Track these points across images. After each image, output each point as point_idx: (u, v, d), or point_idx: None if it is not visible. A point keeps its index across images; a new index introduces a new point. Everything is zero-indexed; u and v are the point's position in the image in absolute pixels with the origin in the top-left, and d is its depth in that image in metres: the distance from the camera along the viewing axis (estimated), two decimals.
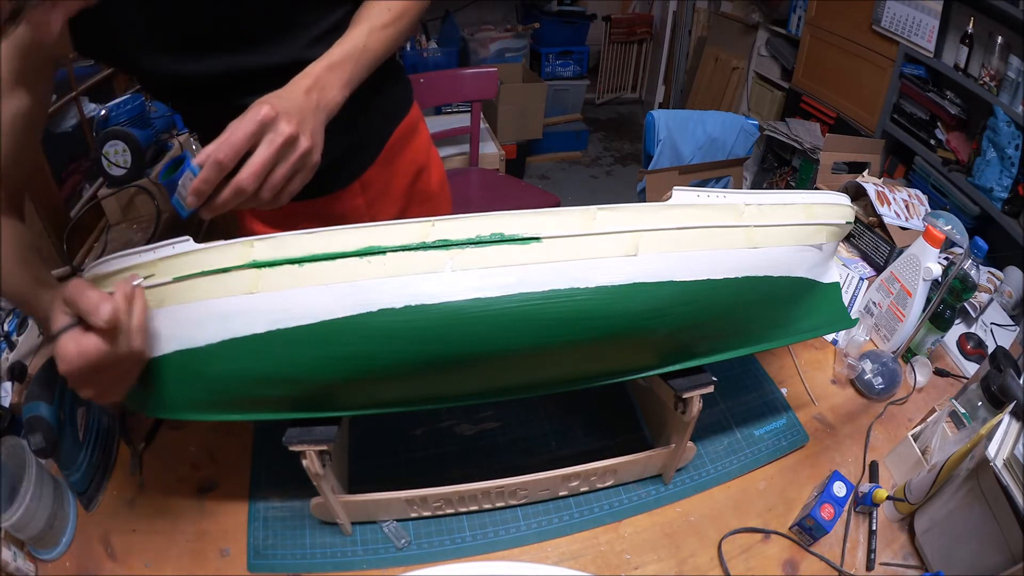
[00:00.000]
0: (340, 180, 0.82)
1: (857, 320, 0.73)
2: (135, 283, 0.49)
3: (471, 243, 0.51)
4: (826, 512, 0.63)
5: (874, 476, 0.76)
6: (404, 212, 0.93)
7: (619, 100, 3.90)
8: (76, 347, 0.45)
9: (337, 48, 0.61)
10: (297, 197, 0.82)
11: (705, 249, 0.57)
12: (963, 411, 0.77)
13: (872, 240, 1.14)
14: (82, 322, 0.45)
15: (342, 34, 0.63)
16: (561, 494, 0.70)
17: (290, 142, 0.52)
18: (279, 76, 0.57)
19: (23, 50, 0.56)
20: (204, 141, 0.55)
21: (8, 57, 0.56)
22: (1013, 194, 1.54)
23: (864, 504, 0.69)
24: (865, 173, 1.36)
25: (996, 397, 0.73)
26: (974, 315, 1.04)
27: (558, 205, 1.79)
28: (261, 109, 0.50)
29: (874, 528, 0.69)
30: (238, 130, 0.49)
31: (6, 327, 0.83)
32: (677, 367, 0.63)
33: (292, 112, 0.53)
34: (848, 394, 0.88)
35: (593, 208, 0.54)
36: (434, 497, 0.64)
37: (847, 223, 0.67)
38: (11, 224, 0.60)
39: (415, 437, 0.77)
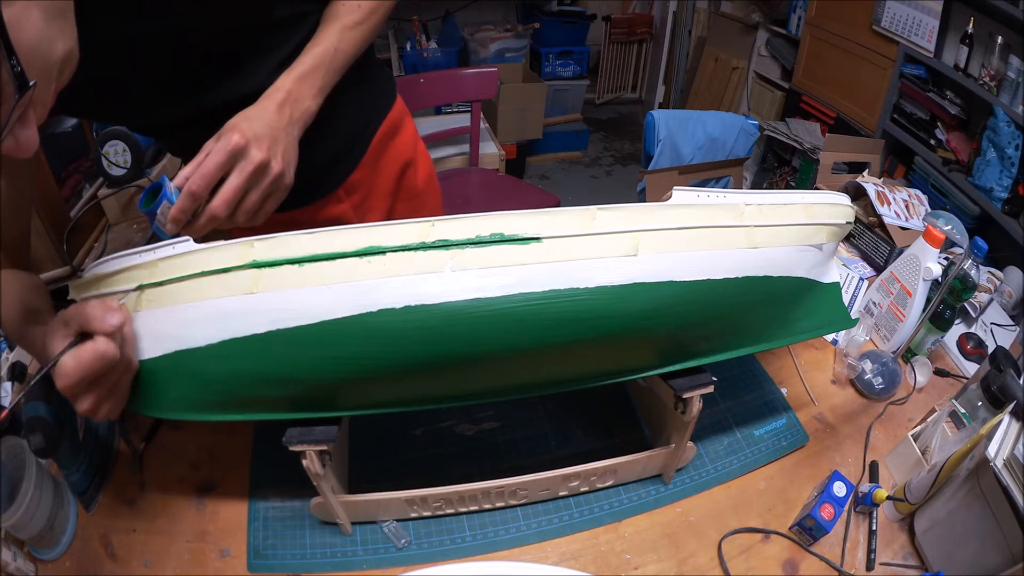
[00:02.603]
0: (323, 189, 0.81)
1: (857, 320, 0.73)
2: (122, 301, 0.51)
3: (471, 243, 0.51)
4: (826, 512, 0.63)
5: (874, 476, 0.76)
6: (391, 210, 0.91)
7: (619, 100, 3.90)
8: (74, 360, 0.46)
9: (307, 55, 0.61)
10: (280, 209, 0.82)
11: (705, 249, 0.57)
12: (963, 411, 0.77)
13: (872, 240, 1.14)
14: (80, 340, 0.47)
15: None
16: (561, 494, 0.70)
17: (261, 169, 0.53)
18: (252, 102, 0.57)
19: None
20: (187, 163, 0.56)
21: None
22: (1013, 194, 1.54)
23: (864, 504, 0.69)
24: (865, 173, 1.36)
25: (996, 397, 0.73)
26: (974, 315, 1.04)
27: (558, 205, 1.79)
28: (232, 138, 0.51)
29: (874, 528, 0.69)
30: (209, 161, 0.51)
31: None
32: (677, 367, 0.62)
33: (263, 136, 0.53)
34: (848, 394, 0.88)
35: (593, 208, 0.54)
36: (434, 497, 0.64)
37: (847, 223, 0.67)
38: (12, 275, 0.61)
39: (415, 437, 0.77)
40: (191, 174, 0.52)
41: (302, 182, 0.77)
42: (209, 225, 0.52)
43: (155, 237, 0.54)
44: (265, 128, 0.54)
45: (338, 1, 0.66)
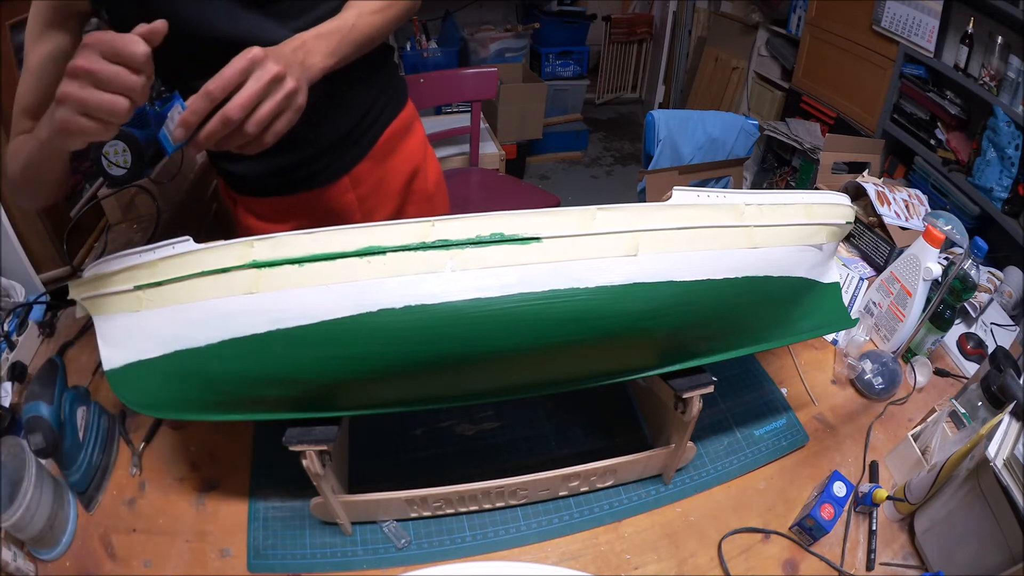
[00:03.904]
0: (329, 173, 0.83)
1: (857, 320, 0.73)
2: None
3: (471, 243, 0.51)
4: (826, 512, 0.63)
5: (874, 476, 0.76)
6: (400, 211, 0.93)
7: (619, 100, 3.89)
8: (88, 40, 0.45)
9: (326, 24, 0.65)
10: (287, 190, 0.83)
11: (705, 249, 0.57)
12: (963, 411, 0.77)
13: (872, 240, 1.14)
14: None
15: None
16: (561, 494, 0.70)
17: (277, 79, 0.54)
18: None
19: (44, 2, 0.61)
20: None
21: (35, 10, 0.62)
22: (1013, 194, 1.53)
23: (864, 504, 0.69)
24: (865, 173, 1.36)
25: (996, 397, 0.73)
26: (974, 315, 1.04)
27: (558, 205, 1.79)
28: (252, 50, 0.53)
29: (874, 528, 0.69)
30: (229, 67, 0.52)
31: (6, 327, 0.83)
32: (677, 367, 0.63)
33: (280, 58, 0.56)
34: (848, 394, 0.88)
35: (593, 208, 0.54)
36: (434, 497, 0.64)
37: (847, 223, 0.67)
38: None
39: (415, 437, 0.77)
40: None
41: (310, 157, 0.79)
42: (219, 131, 0.52)
43: (155, 237, 0.54)
44: (282, 55, 0.57)
45: None
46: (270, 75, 0.53)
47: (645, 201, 1.33)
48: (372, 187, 0.87)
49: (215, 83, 0.51)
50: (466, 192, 2.00)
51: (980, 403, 0.75)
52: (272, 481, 0.70)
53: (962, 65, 1.69)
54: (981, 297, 1.05)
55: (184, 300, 0.52)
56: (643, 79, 3.79)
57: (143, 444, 0.73)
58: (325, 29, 0.64)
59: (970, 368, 0.94)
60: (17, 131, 0.66)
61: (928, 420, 0.78)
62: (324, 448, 0.56)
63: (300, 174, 0.81)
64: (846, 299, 1.05)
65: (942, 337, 0.91)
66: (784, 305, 0.66)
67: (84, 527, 0.65)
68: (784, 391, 0.86)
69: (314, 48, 0.61)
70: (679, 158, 1.72)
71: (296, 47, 0.60)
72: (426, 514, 0.67)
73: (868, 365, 0.87)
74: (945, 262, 0.87)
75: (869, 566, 0.66)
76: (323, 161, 0.81)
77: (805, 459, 0.77)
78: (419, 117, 0.94)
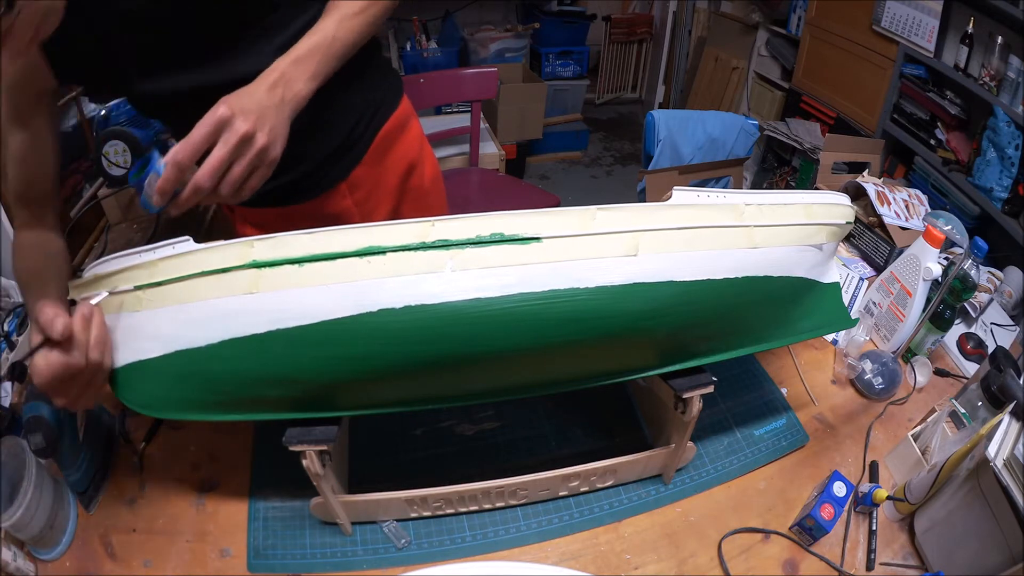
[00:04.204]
0: (326, 182, 0.81)
1: (857, 320, 0.73)
2: (95, 301, 0.53)
3: (471, 243, 0.51)
4: (826, 512, 0.63)
5: (874, 476, 0.76)
6: (397, 209, 0.92)
7: (619, 100, 3.89)
8: (44, 362, 0.49)
9: (304, 41, 0.62)
10: (283, 201, 0.83)
11: (705, 249, 0.57)
12: (963, 411, 0.77)
13: (872, 240, 1.14)
14: (50, 341, 0.50)
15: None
16: (561, 494, 0.70)
17: (246, 140, 0.53)
18: (249, 83, 0.58)
19: (11, 90, 0.61)
20: None
21: (4, 98, 0.61)
22: (1013, 194, 1.53)
23: (864, 504, 0.69)
24: (865, 173, 1.36)
25: (996, 397, 0.73)
26: (974, 315, 1.04)
27: (558, 205, 1.79)
28: (218, 110, 0.52)
29: (874, 528, 0.69)
30: (195, 132, 0.52)
31: (6, 327, 0.83)
32: (677, 367, 0.62)
33: (250, 110, 0.54)
34: (848, 394, 0.88)
35: (593, 208, 0.54)
36: (434, 497, 0.64)
37: (847, 223, 0.67)
38: (31, 237, 0.65)
39: (415, 437, 0.77)
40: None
41: (304, 174, 0.78)
42: (194, 197, 0.53)
43: (155, 237, 0.55)
44: (254, 104, 0.55)
45: None
46: (237, 136, 0.52)
47: (645, 201, 1.33)
48: (370, 189, 0.86)
49: (183, 151, 0.51)
50: (466, 192, 2.00)
51: (980, 403, 0.75)
52: (272, 481, 0.70)
53: (962, 65, 1.69)
54: (981, 297, 1.05)
55: (184, 300, 0.52)
56: (643, 79, 3.79)
57: (143, 444, 0.73)
58: (303, 50, 0.61)
59: (970, 368, 0.94)
60: (16, 222, 0.66)
61: (928, 420, 0.78)
62: (324, 448, 0.56)
63: (296, 188, 0.80)
64: (846, 299, 1.05)
65: (942, 337, 0.91)
66: (784, 305, 0.66)
67: (84, 527, 0.65)
68: (784, 391, 0.86)
69: (294, 77, 0.59)
70: (679, 158, 1.72)
71: (274, 82, 0.57)
72: (426, 514, 0.67)
73: (868, 365, 0.87)
74: (945, 262, 0.87)
75: (869, 566, 0.66)
76: (318, 174, 0.80)
77: (805, 459, 0.77)
78: (415, 112, 0.92)
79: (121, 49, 0.62)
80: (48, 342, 0.50)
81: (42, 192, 0.66)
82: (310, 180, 0.80)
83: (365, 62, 0.74)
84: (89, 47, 0.60)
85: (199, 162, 0.52)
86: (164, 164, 0.51)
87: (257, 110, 0.55)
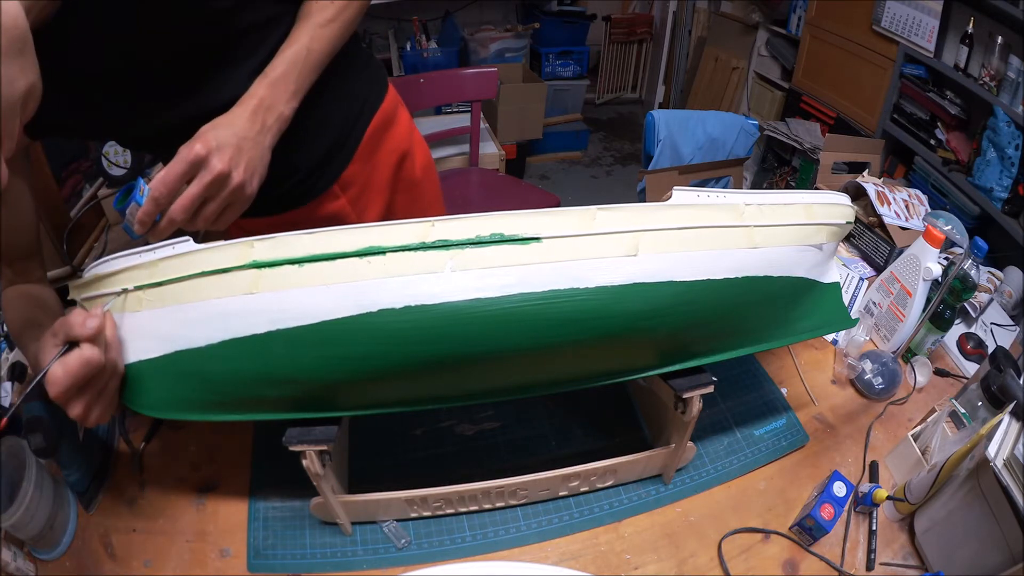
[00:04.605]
0: (317, 187, 0.80)
1: (857, 320, 0.73)
2: (105, 309, 0.52)
3: (471, 243, 0.51)
4: (826, 512, 0.63)
5: (874, 476, 0.76)
6: (390, 203, 0.90)
7: (619, 100, 3.89)
8: (62, 368, 0.48)
9: (279, 59, 0.61)
10: (277, 209, 0.82)
11: (705, 249, 0.57)
12: (963, 411, 0.77)
13: (872, 240, 1.14)
14: (68, 350, 0.49)
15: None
16: (561, 494, 0.70)
17: (220, 180, 0.54)
18: (229, 109, 0.58)
19: None
20: None
21: None
22: (1013, 194, 1.54)
23: (864, 504, 0.69)
24: (865, 173, 1.36)
25: (996, 397, 0.73)
26: (974, 315, 1.04)
27: (558, 205, 1.79)
28: (193, 148, 0.53)
29: (874, 528, 0.69)
30: (170, 169, 0.52)
31: (6, 327, 0.83)
32: (677, 367, 0.62)
33: (227, 145, 0.54)
34: (848, 394, 0.88)
35: (593, 208, 0.54)
36: (434, 497, 0.64)
37: (847, 223, 0.67)
38: (15, 291, 0.65)
39: (415, 437, 0.77)
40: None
41: (294, 183, 0.77)
42: (170, 228, 0.54)
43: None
44: (232, 137, 0.55)
45: (309, 0, 0.66)
46: (212, 176, 0.53)
47: (645, 201, 1.33)
48: (363, 186, 0.85)
49: (159, 187, 0.52)
50: (466, 192, 2.00)
51: (980, 403, 0.75)
52: (272, 481, 0.70)
53: (962, 65, 1.69)
54: (981, 297, 1.05)
55: (184, 300, 0.52)
56: (643, 79, 3.79)
57: (143, 444, 0.73)
58: (279, 70, 0.60)
59: (970, 368, 0.94)
60: (3, 281, 0.65)
61: (928, 420, 0.78)
62: (324, 448, 0.56)
63: (289, 196, 0.79)
64: (846, 299, 1.05)
65: (942, 337, 0.91)
66: (784, 305, 0.66)
67: (84, 527, 0.65)
68: (784, 391, 0.86)
69: (274, 100, 0.59)
70: (679, 158, 1.72)
71: (254, 109, 0.57)
72: (426, 514, 0.67)
73: (868, 365, 0.87)
74: (945, 262, 0.87)
75: (869, 566, 0.66)
76: (309, 182, 0.78)
77: (805, 459, 0.77)
78: (402, 103, 0.89)
79: (92, 103, 0.60)
80: (67, 350, 0.49)
81: (24, 250, 0.65)
82: (301, 188, 0.78)
83: (344, 60, 0.72)
84: (61, 107, 0.56)
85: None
86: (146, 193, 0.53)
87: (235, 143, 0.55)
